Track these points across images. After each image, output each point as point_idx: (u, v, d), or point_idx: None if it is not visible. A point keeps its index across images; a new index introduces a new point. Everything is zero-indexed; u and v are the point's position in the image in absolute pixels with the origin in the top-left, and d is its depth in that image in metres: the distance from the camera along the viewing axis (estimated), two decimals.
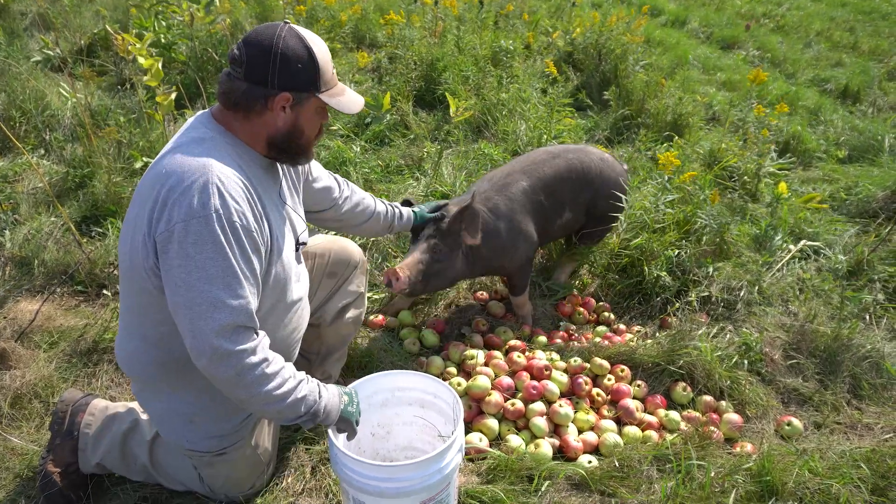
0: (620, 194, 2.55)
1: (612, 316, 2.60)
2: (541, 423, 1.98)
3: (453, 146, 3.66)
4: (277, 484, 1.78)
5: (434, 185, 3.13)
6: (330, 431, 1.50)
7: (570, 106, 4.02)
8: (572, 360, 2.23)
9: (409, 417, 1.75)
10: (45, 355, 2.24)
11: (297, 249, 1.61)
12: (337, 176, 1.95)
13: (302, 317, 1.67)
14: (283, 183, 1.61)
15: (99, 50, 4.85)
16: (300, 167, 1.71)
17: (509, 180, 2.35)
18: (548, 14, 6.84)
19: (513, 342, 2.33)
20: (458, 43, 4.72)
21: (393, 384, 1.72)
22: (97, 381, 2.16)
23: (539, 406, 2.03)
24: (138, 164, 3.16)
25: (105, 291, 2.60)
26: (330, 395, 1.47)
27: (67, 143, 3.70)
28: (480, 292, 2.64)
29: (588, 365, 2.23)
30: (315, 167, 1.83)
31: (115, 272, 2.68)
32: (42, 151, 3.62)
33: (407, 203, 2.19)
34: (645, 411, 2.10)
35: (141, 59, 2.79)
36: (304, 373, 1.46)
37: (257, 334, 1.36)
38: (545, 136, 3.18)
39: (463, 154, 3.46)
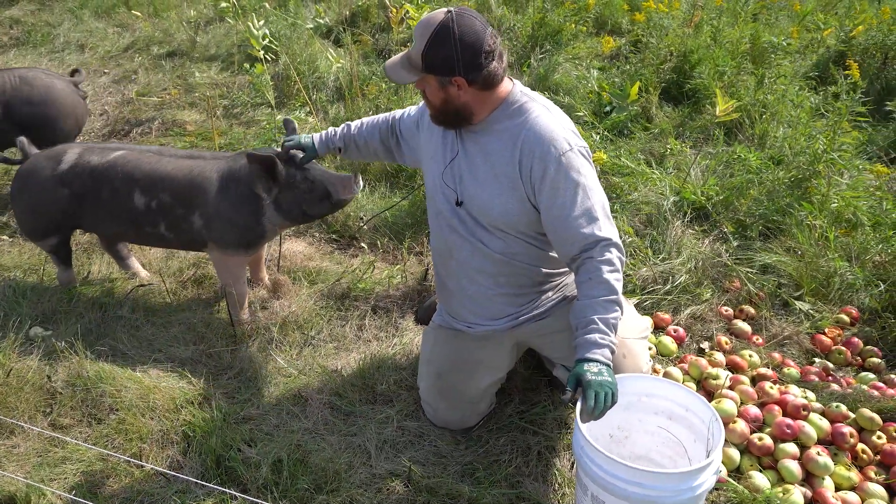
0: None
1: (883, 363, 2.23)
2: (793, 466, 1.76)
3: (701, 146, 3.40)
4: (509, 464, 1.82)
5: (682, 185, 2.94)
6: (578, 420, 1.47)
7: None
8: (833, 405, 1.95)
9: (652, 427, 1.67)
10: (306, 292, 2.52)
11: None
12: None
13: None
14: None
15: (360, 21, 5.31)
16: None
17: None
18: (819, 7, 6.02)
19: (762, 370, 2.10)
20: (716, 35, 4.35)
21: (641, 389, 1.65)
22: (347, 324, 2.38)
23: (791, 448, 1.81)
24: None
25: (362, 245, 2.86)
26: None
27: (330, 104, 4.12)
28: (725, 307, 2.42)
29: (853, 415, 1.93)
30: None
31: (364, 226, 2.93)
32: (307, 109, 4.08)
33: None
34: None
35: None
36: None
37: None
38: (823, 147, 2.79)
39: (713, 156, 3.19)
